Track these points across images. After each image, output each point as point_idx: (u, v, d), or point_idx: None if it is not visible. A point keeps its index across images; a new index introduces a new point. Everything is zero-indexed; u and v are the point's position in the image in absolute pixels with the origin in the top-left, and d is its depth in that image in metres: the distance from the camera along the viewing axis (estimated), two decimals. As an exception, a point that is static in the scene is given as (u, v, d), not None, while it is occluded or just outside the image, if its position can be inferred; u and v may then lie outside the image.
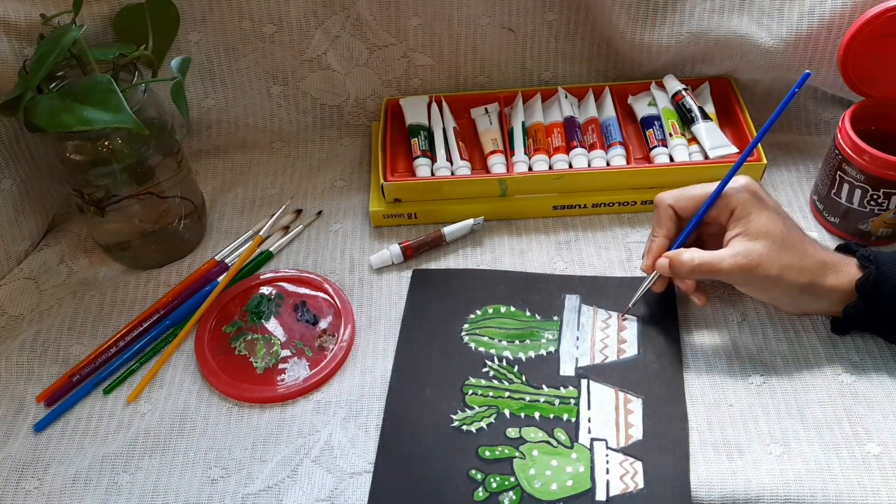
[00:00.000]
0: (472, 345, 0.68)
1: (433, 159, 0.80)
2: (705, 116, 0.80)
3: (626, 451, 0.61)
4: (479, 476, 0.60)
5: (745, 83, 0.84)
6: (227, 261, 0.77)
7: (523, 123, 0.82)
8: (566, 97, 0.84)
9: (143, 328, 0.72)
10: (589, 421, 0.63)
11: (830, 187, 0.73)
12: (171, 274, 0.76)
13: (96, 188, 0.70)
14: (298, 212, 0.81)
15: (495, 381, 0.66)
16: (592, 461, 0.60)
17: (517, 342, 0.68)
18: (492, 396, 0.65)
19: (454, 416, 0.64)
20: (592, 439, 0.62)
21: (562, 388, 0.65)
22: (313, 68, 0.84)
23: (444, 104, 0.84)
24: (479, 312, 0.71)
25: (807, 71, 0.62)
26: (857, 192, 0.71)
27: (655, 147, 0.79)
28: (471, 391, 0.65)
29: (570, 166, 0.79)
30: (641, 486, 0.59)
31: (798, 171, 0.82)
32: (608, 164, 0.79)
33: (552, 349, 0.68)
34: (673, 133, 0.79)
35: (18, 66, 0.70)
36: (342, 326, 0.71)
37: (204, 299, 0.73)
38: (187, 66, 0.70)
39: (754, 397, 0.63)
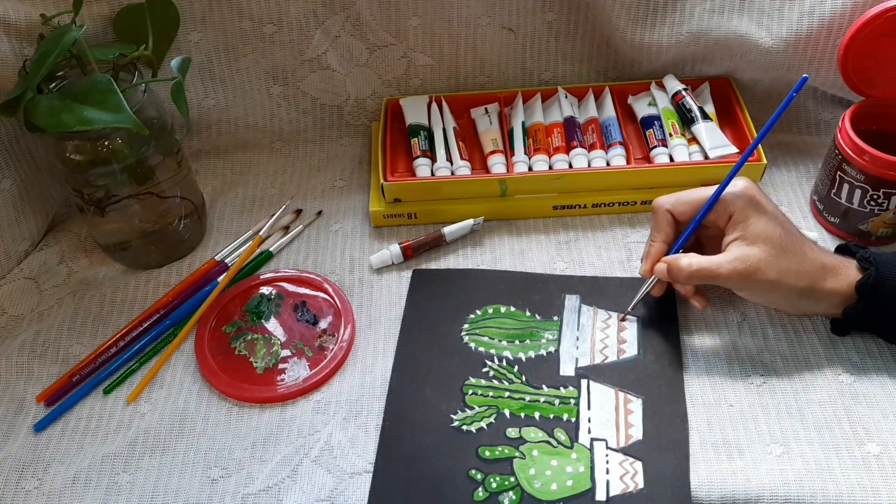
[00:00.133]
0: (472, 345, 0.68)
1: (433, 159, 0.80)
2: (705, 116, 0.80)
3: (626, 451, 0.61)
4: (479, 476, 0.60)
5: (745, 83, 0.84)
6: (227, 261, 0.77)
7: (523, 123, 0.82)
8: (566, 97, 0.84)
9: (143, 328, 0.72)
10: (589, 421, 0.63)
11: (830, 187, 0.73)
12: (171, 274, 0.76)
13: (96, 188, 0.70)
14: (298, 212, 0.81)
15: (495, 381, 0.66)
16: (592, 461, 0.60)
17: (517, 342, 0.68)
18: (492, 396, 0.65)
19: (454, 416, 0.64)
20: (592, 439, 0.62)
21: (562, 389, 0.65)
22: (313, 68, 0.84)
23: (444, 104, 0.84)
24: (479, 312, 0.71)
25: (804, 75, 0.62)
26: (857, 193, 0.71)
27: (655, 147, 0.79)
28: (471, 391, 0.65)
29: (570, 166, 0.79)
30: (641, 486, 0.59)
31: (798, 171, 0.82)
32: (608, 164, 0.79)
33: (552, 349, 0.68)
34: (673, 133, 0.79)
35: (18, 66, 0.70)
36: (342, 326, 0.71)
37: (204, 299, 0.73)
38: (187, 66, 0.70)
39: (754, 397, 0.63)
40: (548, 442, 0.62)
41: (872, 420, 0.61)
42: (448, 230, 0.76)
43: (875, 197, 0.70)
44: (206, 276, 0.76)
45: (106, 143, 0.67)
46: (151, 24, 0.72)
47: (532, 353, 0.68)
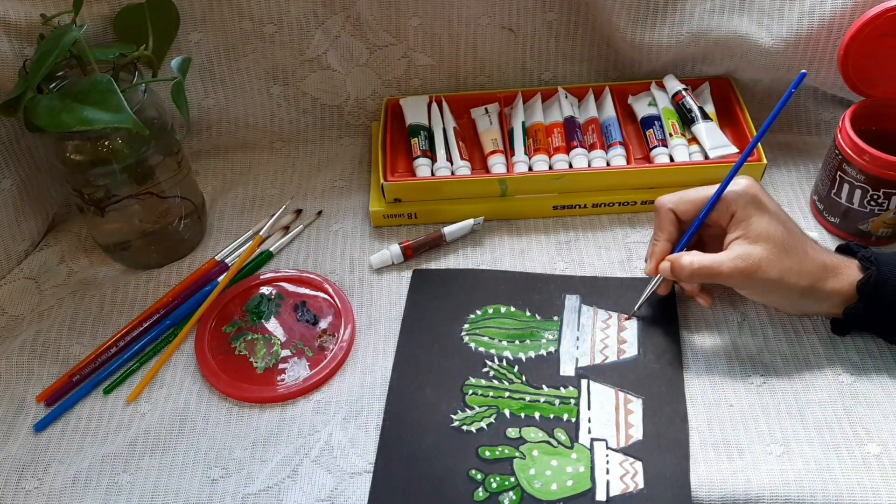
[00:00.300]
0: (472, 345, 0.68)
1: (433, 159, 0.80)
2: (705, 116, 0.80)
3: (626, 451, 0.61)
4: (479, 476, 0.60)
5: (745, 83, 0.84)
6: (227, 261, 0.77)
7: (523, 123, 0.82)
8: (566, 97, 0.84)
9: (143, 328, 0.72)
10: (589, 421, 0.63)
11: (830, 187, 0.73)
12: (171, 274, 0.76)
13: (96, 188, 0.70)
14: (298, 212, 0.81)
15: (495, 381, 0.66)
16: (592, 461, 0.60)
17: (517, 342, 0.68)
18: (492, 396, 0.65)
19: (454, 416, 0.64)
20: (592, 439, 0.62)
21: (562, 389, 0.65)
22: (313, 68, 0.84)
23: (444, 104, 0.84)
24: (479, 312, 0.71)
25: (802, 71, 0.62)
26: (858, 193, 0.71)
27: (655, 147, 0.79)
28: (471, 391, 0.65)
29: (570, 166, 0.79)
30: (641, 486, 0.59)
31: (798, 171, 0.82)
32: (608, 164, 0.79)
33: (552, 349, 0.68)
34: (673, 133, 0.79)
35: (18, 66, 0.70)
36: (342, 326, 0.71)
37: (204, 299, 0.73)
38: (187, 66, 0.70)
39: (754, 397, 0.63)
40: (548, 442, 0.62)
41: (872, 420, 0.61)
42: (448, 230, 0.76)
43: (875, 197, 0.70)
44: (206, 276, 0.76)
45: (106, 143, 0.67)
46: (151, 24, 0.72)
47: (532, 353, 0.68)
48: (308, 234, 0.80)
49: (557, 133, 0.81)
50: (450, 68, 0.86)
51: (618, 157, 0.79)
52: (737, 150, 0.78)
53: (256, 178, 0.85)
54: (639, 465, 0.60)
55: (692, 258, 0.63)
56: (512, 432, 0.63)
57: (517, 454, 0.61)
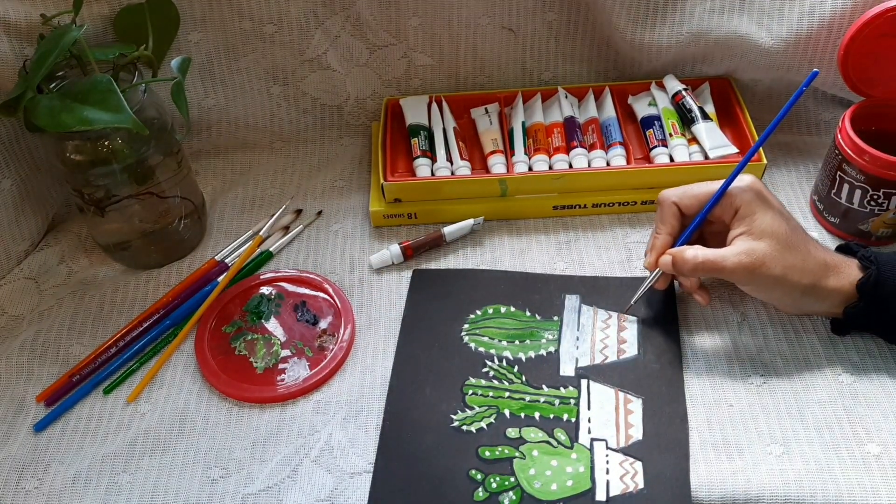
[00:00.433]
0: (472, 345, 0.68)
1: (433, 159, 0.80)
2: (705, 116, 0.80)
3: (626, 451, 0.61)
4: (479, 476, 0.60)
5: (745, 83, 0.84)
6: (227, 261, 0.77)
7: (523, 123, 0.82)
8: (566, 97, 0.84)
9: (143, 328, 0.72)
10: (589, 421, 0.63)
11: (830, 187, 0.73)
12: (171, 274, 0.76)
13: (96, 188, 0.70)
14: (298, 212, 0.81)
15: (495, 382, 0.66)
16: (592, 461, 0.60)
17: (517, 342, 0.68)
18: (492, 396, 0.65)
19: (454, 416, 0.64)
20: (592, 439, 0.62)
21: (562, 389, 0.65)
22: (313, 68, 0.84)
23: (444, 104, 0.84)
24: (479, 312, 0.71)
25: (815, 69, 0.61)
26: (858, 193, 0.71)
27: (655, 147, 0.79)
28: (471, 391, 0.65)
29: (570, 166, 0.79)
30: (641, 486, 0.59)
31: (798, 171, 0.82)
32: (608, 164, 0.79)
33: (552, 349, 0.68)
34: (673, 133, 0.79)
35: (18, 66, 0.70)
36: (342, 326, 0.71)
37: (204, 299, 0.73)
38: (187, 66, 0.70)
39: (754, 397, 0.63)
40: (548, 442, 0.62)
41: (872, 420, 0.61)
42: (448, 230, 0.76)
43: (875, 197, 0.70)
44: (206, 276, 0.76)
45: (106, 143, 0.67)
46: (151, 24, 0.72)
47: (532, 353, 0.68)
48: (308, 234, 0.80)
49: (557, 133, 0.81)
50: (450, 68, 0.86)
51: (618, 157, 0.79)
52: (737, 151, 0.78)
53: (256, 178, 0.85)
54: (639, 465, 0.60)
55: (696, 252, 0.63)
56: (512, 432, 0.63)
57: (517, 454, 0.61)
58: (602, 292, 0.72)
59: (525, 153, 0.80)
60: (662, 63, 0.83)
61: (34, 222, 0.78)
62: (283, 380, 0.67)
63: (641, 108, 0.83)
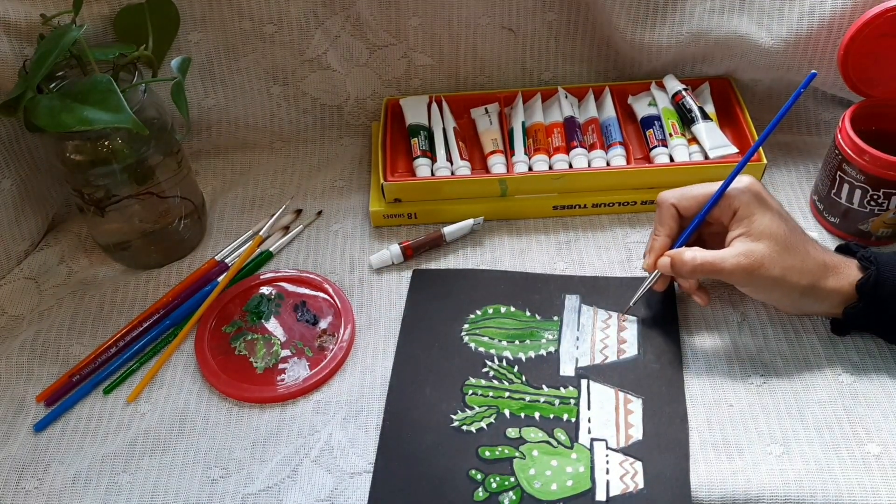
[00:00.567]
0: (472, 345, 0.68)
1: (433, 159, 0.80)
2: (705, 116, 0.80)
3: (626, 451, 0.61)
4: (479, 476, 0.60)
5: (745, 83, 0.84)
6: (227, 261, 0.77)
7: (523, 123, 0.82)
8: (566, 97, 0.84)
9: (143, 328, 0.72)
10: (589, 421, 0.63)
11: (830, 187, 0.73)
12: (171, 274, 0.76)
13: (96, 188, 0.70)
14: (298, 212, 0.81)
15: (495, 382, 0.66)
16: (592, 461, 0.60)
17: (517, 342, 0.68)
18: (492, 396, 0.65)
19: (454, 416, 0.64)
20: (592, 439, 0.62)
21: (562, 389, 0.65)
22: (313, 68, 0.84)
23: (444, 104, 0.84)
24: (479, 312, 0.71)
25: (813, 71, 0.61)
26: (857, 193, 0.71)
27: (655, 147, 0.79)
28: (471, 391, 0.65)
29: (570, 166, 0.79)
30: (641, 486, 0.59)
31: (798, 171, 0.82)
32: (608, 164, 0.79)
33: (552, 349, 0.68)
34: (673, 133, 0.79)
35: (18, 66, 0.70)
36: (342, 326, 0.71)
37: (204, 299, 0.73)
38: (187, 66, 0.70)
39: (754, 397, 0.63)
40: (548, 442, 0.62)
41: (872, 420, 0.61)
42: (448, 230, 0.76)
43: (875, 197, 0.70)
44: (206, 276, 0.76)
45: (106, 143, 0.67)
46: (151, 24, 0.72)
47: (532, 353, 0.68)
48: (308, 234, 0.80)
49: (557, 133, 0.81)
50: (450, 68, 0.86)
51: (618, 157, 0.79)
52: (737, 151, 0.78)
53: (256, 178, 0.85)
54: (639, 465, 0.60)
55: (695, 253, 0.63)
56: (512, 432, 0.63)
57: (517, 454, 0.61)
58: (602, 292, 0.72)
59: (525, 153, 0.80)
60: (662, 63, 0.83)
61: (34, 222, 0.78)
62: (283, 380, 0.67)
63: (641, 108, 0.83)
